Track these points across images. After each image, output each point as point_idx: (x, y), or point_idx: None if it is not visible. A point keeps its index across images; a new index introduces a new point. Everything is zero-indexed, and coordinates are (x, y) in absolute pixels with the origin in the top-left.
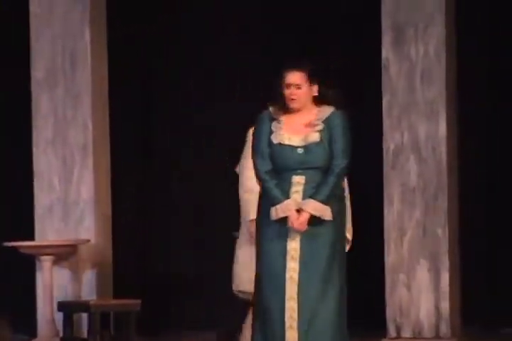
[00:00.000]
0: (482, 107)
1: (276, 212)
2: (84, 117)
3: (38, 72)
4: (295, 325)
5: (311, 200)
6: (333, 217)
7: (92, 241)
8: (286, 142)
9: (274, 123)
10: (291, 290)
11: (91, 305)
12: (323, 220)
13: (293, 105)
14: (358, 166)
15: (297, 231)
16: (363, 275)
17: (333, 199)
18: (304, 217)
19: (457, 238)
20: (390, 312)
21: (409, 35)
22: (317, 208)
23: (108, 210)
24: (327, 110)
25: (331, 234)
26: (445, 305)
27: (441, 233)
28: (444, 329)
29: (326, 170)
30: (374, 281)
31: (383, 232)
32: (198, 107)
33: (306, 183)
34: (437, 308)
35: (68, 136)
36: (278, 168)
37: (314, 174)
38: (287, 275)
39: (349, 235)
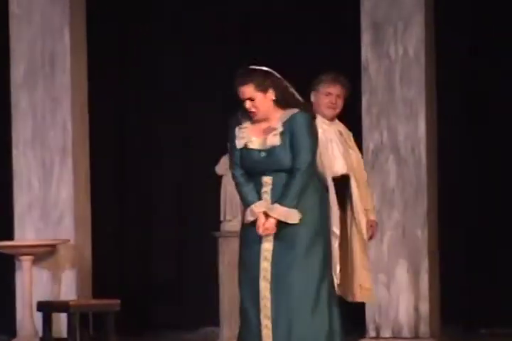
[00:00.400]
0: (461, 107)
1: (247, 215)
2: (63, 118)
3: (17, 73)
4: (270, 324)
5: (277, 205)
6: (307, 212)
7: (72, 241)
8: (250, 146)
9: (237, 129)
10: (265, 290)
11: (70, 305)
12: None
13: (255, 117)
14: None
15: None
16: None
17: (304, 197)
18: (270, 222)
19: (436, 238)
20: (369, 312)
21: (388, 34)
22: (282, 213)
23: (87, 210)
24: (289, 112)
25: (307, 231)
26: (424, 306)
27: (421, 233)
28: (423, 329)
29: (291, 171)
30: None
31: None
32: (176, 109)
33: (274, 183)
34: (416, 308)
35: (48, 137)
36: (248, 170)
37: (281, 175)
38: (261, 276)
39: (336, 228)
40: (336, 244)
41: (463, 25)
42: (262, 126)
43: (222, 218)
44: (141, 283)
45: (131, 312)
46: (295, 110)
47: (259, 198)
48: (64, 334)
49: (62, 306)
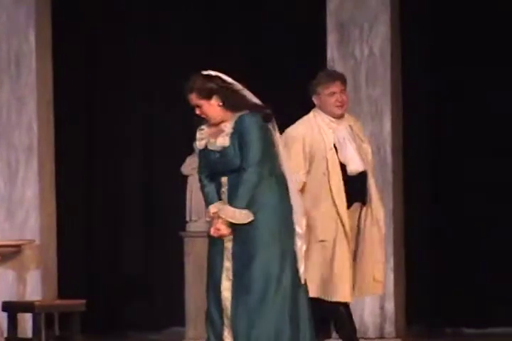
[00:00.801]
0: (426, 106)
1: (206, 219)
2: (29, 118)
3: None
4: (230, 324)
5: (226, 206)
6: (263, 212)
7: (37, 241)
8: (209, 147)
9: (198, 131)
10: (226, 290)
11: (36, 306)
12: (255, 217)
13: (210, 122)
14: None
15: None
16: None
17: (259, 197)
18: (220, 223)
19: (402, 238)
20: None
21: (354, 34)
22: (229, 214)
23: (53, 211)
24: (238, 114)
25: (262, 231)
26: (390, 306)
27: (386, 232)
28: (389, 329)
29: (245, 171)
30: None
31: None
32: (143, 108)
33: (229, 184)
34: (382, 308)
35: (13, 136)
36: (210, 171)
37: (235, 175)
38: (223, 275)
39: (299, 228)
40: (299, 244)
41: (427, 24)
42: (217, 128)
43: (188, 218)
44: (107, 283)
45: (98, 312)
46: (244, 112)
47: (220, 198)
48: (29, 335)
49: (27, 306)
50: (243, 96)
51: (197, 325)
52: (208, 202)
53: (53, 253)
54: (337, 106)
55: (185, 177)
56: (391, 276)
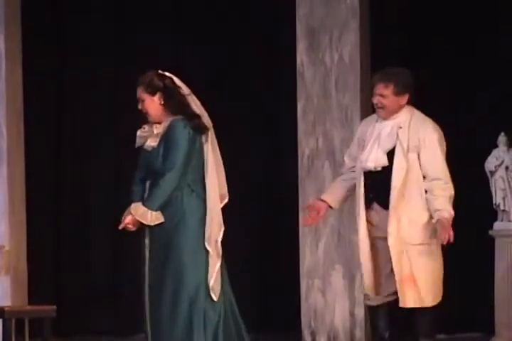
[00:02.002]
0: None
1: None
2: None
3: None
4: (149, 328)
5: (139, 204)
6: (171, 219)
7: (7, 247)
8: (144, 146)
9: (140, 129)
10: (145, 289)
11: (6, 312)
12: (165, 223)
13: (148, 118)
14: (275, 171)
15: (149, 236)
16: (279, 280)
17: (173, 203)
18: (128, 218)
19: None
20: (305, 317)
21: (323, 41)
22: (138, 212)
23: (22, 217)
24: (172, 118)
25: (165, 239)
26: (360, 311)
27: (356, 239)
28: (359, 334)
29: (163, 174)
30: (290, 286)
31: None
32: (113, 110)
33: (150, 188)
34: (352, 314)
35: None
36: (143, 170)
37: (156, 177)
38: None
39: (213, 246)
40: (215, 263)
41: (397, 31)
42: (153, 129)
43: None
44: (77, 288)
45: (68, 318)
46: (178, 117)
47: (142, 200)
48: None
49: None
50: (186, 103)
51: None
52: (131, 200)
53: (23, 259)
54: (376, 108)
55: None
56: (360, 283)
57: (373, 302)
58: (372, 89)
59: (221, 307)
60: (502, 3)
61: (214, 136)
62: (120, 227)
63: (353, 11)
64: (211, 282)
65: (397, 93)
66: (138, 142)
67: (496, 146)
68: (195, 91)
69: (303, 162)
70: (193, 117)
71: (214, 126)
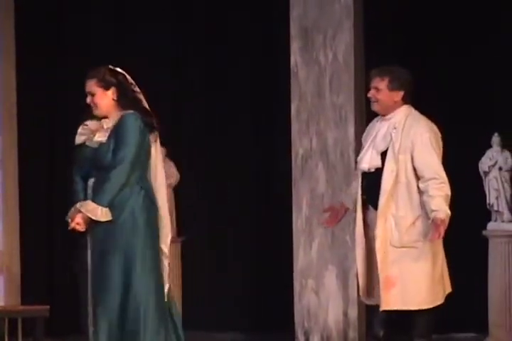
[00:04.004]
0: None
1: (70, 211)
2: None
3: None
4: (92, 330)
5: (90, 202)
6: (119, 218)
7: (0, 247)
8: (87, 143)
9: (81, 126)
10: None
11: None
12: (112, 221)
13: (94, 112)
14: (268, 171)
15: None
16: (273, 279)
17: (123, 204)
18: (78, 216)
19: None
20: (298, 317)
21: (317, 41)
22: (89, 209)
23: (16, 218)
24: (123, 113)
25: (117, 238)
26: (353, 311)
27: (350, 239)
28: (352, 335)
29: (114, 167)
30: (283, 286)
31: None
32: None
33: (94, 186)
34: (345, 314)
35: None
36: (83, 168)
37: (102, 175)
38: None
39: (165, 246)
40: (165, 262)
41: (391, 31)
42: (100, 125)
43: None
44: (71, 288)
45: (62, 318)
46: (129, 111)
47: (85, 198)
48: None
49: None
50: (138, 99)
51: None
52: (73, 200)
53: (16, 259)
54: (371, 102)
55: None
56: (354, 282)
57: (370, 302)
58: (369, 84)
59: (168, 306)
60: (500, 3)
61: (159, 140)
62: (70, 228)
63: (347, 10)
64: (165, 283)
65: (392, 88)
66: (78, 139)
67: (490, 147)
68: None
69: (297, 162)
70: (145, 113)
71: (210, 125)
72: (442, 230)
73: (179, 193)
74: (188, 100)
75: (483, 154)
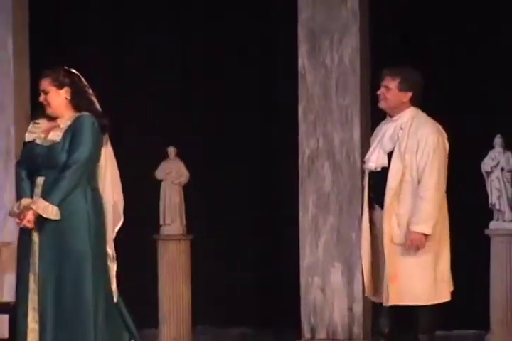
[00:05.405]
0: None
1: (12, 210)
2: (7, 124)
3: None
4: (37, 328)
5: (40, 199)
6: (70, 218)
7: (14, 243)
8: (37, 141)
9: (31, 124)
10: (33, 292)
11: (13, 306)
12: (62, 221)
13: (46, 110)
14: (275, 171)
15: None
16: (280, 277)
17: (73, 201)
18: (30, 214)
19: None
20: (304, 313)
21: (324, 44)
22: (40, 206)
23: None
24: (78, 114)
25: (69, 240)
26: (358, 308)
27: (355, 237)
28: (357, 331)
29: (64, 170)
30: (290, 283)
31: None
32: (113, 113)
33: (45, 184)
34: (350, 310)
35: None
36: (29, 166)
37: (53, 175)
38: (30, 270)
39: (110, 249)
40: (113, 266)
41: (397, 35)
42: (53, 124)
43: (161, 222)
44: None
45: None
46: (85, 113)
47: (32, 197)
48: (6, 335)
49: (5, 307)
50: (91, 101)
51: (171, 326)
52: (20, 197)
53: None
54: (379, 100)
55: (159, 182)
56: (359, 279)
57: (376, 299)
58: (379, 83)
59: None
60: (500, 3)
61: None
62: (21, 225)
63: (354, 14)
64: (113, 286)
65: (401, 88)
66: (28, 136)
67: (493, 147)
68: (194, 92)
69: (303, 162)
70: (98, 116)
71: (215, 126)
72: (415, 243)
73: (189, 192)
74: (197, 101)
75: (486, 155)
